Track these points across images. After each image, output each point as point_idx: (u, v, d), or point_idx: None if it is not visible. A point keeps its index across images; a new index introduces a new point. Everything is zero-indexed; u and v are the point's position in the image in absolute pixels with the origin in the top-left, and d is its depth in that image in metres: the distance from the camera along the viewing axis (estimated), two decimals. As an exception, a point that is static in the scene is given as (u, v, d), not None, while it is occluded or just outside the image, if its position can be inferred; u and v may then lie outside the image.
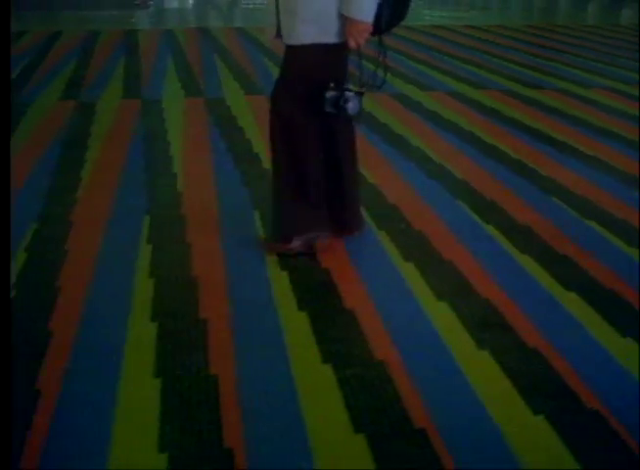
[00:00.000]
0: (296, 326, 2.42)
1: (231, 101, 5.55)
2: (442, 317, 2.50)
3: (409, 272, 2.83)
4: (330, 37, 2.68)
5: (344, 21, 2.64)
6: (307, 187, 2.85)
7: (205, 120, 4.99)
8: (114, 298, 2.59)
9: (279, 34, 2.81)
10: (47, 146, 4.36)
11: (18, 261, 2.86)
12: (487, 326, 2.43)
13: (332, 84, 2.69)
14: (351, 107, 2.69)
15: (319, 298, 2.62)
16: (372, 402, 2.02)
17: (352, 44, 2.66)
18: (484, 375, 2.17)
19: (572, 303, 2.60)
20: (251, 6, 12.99)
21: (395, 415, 1.97)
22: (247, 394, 2.05)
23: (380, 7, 2.63)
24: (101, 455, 1.80)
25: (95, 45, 8.06)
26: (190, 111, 5.26)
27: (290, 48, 2.76)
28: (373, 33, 2.71)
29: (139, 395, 2.05)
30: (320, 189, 2.88)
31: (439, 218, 3.36)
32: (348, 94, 2.68)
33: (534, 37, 9.31)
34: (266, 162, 3.99)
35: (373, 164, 4.03)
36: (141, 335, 2.36)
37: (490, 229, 3.25)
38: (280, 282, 2.73)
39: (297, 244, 2.91)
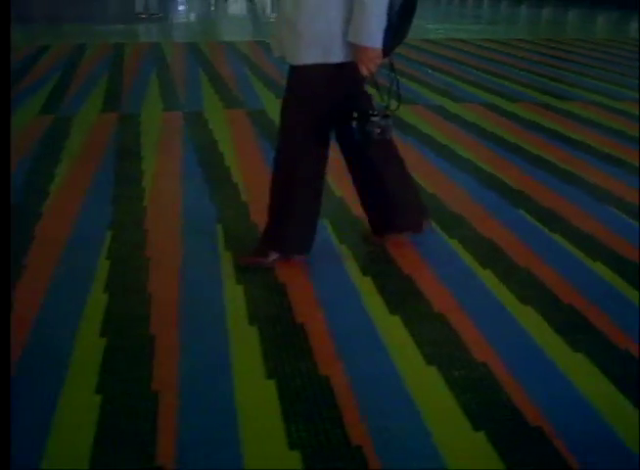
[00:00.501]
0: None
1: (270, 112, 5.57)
2: (529, 321, 2.54)
3: (489, 278, 2.88)
4: (334, 57, 2.66)
5: (350, 44, 2.62)
6: (298, 208, 2.87)
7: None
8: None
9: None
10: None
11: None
12: (577, 329, 2.49)
13: (355, 114, 2.69)
14: (379, 132, 2.71)
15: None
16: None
17: (364, 72, 2.65)
18: (581, 375, 2.23)
19: None
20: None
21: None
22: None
23: (385, 30, 2.61)
24: None
25: (124, 56, 8.09)
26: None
27: (293, 68, 2.74)
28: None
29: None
30: (312, 212, 2.91)
31: (504, 226, 3.42)
32: (374, 119, 2.69)
33: (552, 50, 9.39)
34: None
35: (427, 174, 4.10)
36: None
37: (556, 237, 3.31)
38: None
39: (271, 259, 2.94)
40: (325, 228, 3.32)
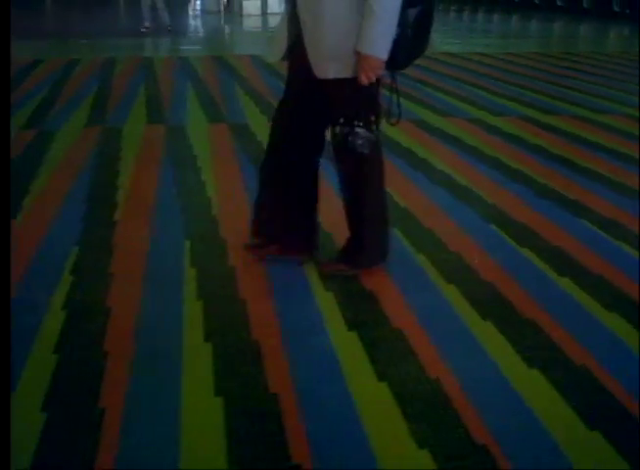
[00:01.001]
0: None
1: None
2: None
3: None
4: (350, 72, 2.66)
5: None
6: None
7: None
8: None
9: (285, 57, 2.86)
10: None
11: None
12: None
13: (341, 120, 2.70)
14: (358, 143, 2.70)
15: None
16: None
17: (363, 80, 2.63)
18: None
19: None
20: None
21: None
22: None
23: (396, 43, 2.61)
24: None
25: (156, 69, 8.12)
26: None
27: (318, 80, 2.73)
28: (388, 68, 2.70)
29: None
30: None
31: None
32: (358, 130, 2.69)
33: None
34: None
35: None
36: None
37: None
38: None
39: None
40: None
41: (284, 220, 3.02)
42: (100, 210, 3.80)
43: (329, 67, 2.67)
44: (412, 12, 2.63)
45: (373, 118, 2.76)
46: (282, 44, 2.85)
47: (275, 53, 2.89)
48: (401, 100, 2.87)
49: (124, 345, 2.46)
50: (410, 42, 2.66)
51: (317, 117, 2.88)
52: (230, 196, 4.01)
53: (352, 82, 2.66)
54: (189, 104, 6.55)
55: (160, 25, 13.03)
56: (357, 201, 2.94)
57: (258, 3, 17.45)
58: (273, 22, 16.15)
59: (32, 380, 2.25)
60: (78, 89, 7.21)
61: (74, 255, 3.21)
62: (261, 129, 5.39)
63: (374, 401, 2.16)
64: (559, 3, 19.08)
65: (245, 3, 17.24)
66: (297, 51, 2.78)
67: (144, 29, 12.79)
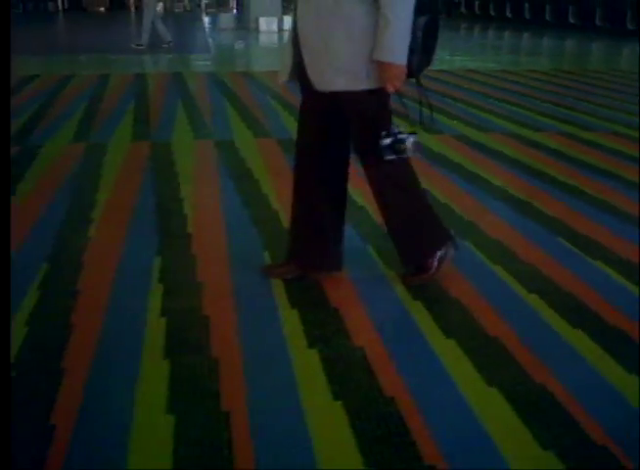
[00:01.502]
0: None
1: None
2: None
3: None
4: (362, 84, 2.68)
5: (377, 66, 2.63)
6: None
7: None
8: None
9: (294, 77, 2.86)
10: None
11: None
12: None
13: (384, 133, 2.70)
14: (411, 149, 2.72)
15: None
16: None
17: (390, 89, 2.66)
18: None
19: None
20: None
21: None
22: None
23: (410, 49, 2.64)
24: None
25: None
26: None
27: (318, 93, 2.76)
28: (407, 77, 2.72)
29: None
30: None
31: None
32: (402, 137, 2.71)
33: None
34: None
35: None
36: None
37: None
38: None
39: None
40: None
41: (313, 238, 3.02)
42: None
43: (341, 79, 2.68)
44: (422, 20, 2.67)
45: (396, 127, 2.79)
46: (289, 62, 2.86)
47: (283, 73, 2.90)
48: (439, 115, 2.91)
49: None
50: (422, 48, 2.70)
51: (338, 131, 2.89)
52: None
53: (369, 93, 2.69)
54: (231, 120, 6.59)
55: (159, 42, 13.16)
56: (398, 207, 2.97)
57: (275, 20, 17.57)
58: (279, 38, 16.35)
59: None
60: (113, 106, 7.23)
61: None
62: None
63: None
64: (571, 20, 19.20)
65: (261, 19, 17.30)
66: (303, 69, 2.80)
67: (139, 46, 12.93)
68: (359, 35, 2.63)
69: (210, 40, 16.42)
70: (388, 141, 2.71)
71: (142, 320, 2.74)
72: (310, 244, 3.04)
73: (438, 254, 3.01)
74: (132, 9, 31.26)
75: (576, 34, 17.73)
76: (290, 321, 2.75)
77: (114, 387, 2.30)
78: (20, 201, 4.19)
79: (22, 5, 29.63)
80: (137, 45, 13.07)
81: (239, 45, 15.59)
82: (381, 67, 2.62)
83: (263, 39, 16.49)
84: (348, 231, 3.28)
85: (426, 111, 2.91)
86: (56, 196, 4.30)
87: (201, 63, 11.62)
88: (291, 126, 6.08)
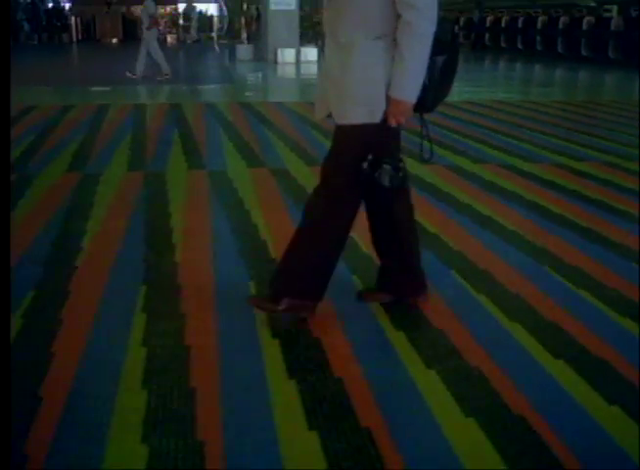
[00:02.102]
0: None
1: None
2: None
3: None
4: (378, 117, 2.71)
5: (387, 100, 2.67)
6: (321, 258, 2.92)
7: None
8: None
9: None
10: None
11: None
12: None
13: (370, 157, 2.74)
14: (386, 179, 2.75)
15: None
16: None
17: (392, 122, 2.70)
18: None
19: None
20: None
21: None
22: None
23: (425, 88, 2.67)
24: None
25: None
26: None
27: (340, 127, 2.79)
28: (416, 111, 2.76)
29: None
30: (334, 261, 2.96)
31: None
32: (385, 167, 2.74)
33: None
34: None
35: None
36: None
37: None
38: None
39: (283, 306, 2.93)
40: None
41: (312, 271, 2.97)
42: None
43: (359, 112, 2.72)
44: (439, 59, 2.70)
45: (398, 156, 2.85)
46: (324, 101, 2.89)
47: (319, 110, 2.95)
48: (434, 146, 2.93)
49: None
50: (436, 87, 2.73)
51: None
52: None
53: (379, 125, 2.72)
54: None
55: (157, 73, 13.32)
56: (390, 233, 3.01)
57: (293, 51, 17.81)
58: (305, 69, 16.51)
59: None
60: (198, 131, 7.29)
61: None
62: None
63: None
64: (584, 53, 19.49)
65: (279, 51, 17.67)
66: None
67: (133, 75, 13.12)
68: (378, 71, 2.67)
69: (233, 71, 16.69)
70: (366, 166, 2.74)
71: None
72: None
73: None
74: None
75: (589, 66, 17.92)
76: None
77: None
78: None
79: (38, 36, 30.26)
80: (131, 74, 13.28)
81: (263, 76, 15.83)
82: (390, 101, 2.67)
83: (284, 70, 16.69)
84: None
85: (427, 143, 2.93)
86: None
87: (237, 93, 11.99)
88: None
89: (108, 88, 12.17)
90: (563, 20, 20.56)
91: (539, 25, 21.70)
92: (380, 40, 2.66)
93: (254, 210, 4.60)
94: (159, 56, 13.41)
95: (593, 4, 20.20)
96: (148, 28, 13.37)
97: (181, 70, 14.91)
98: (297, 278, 2.92)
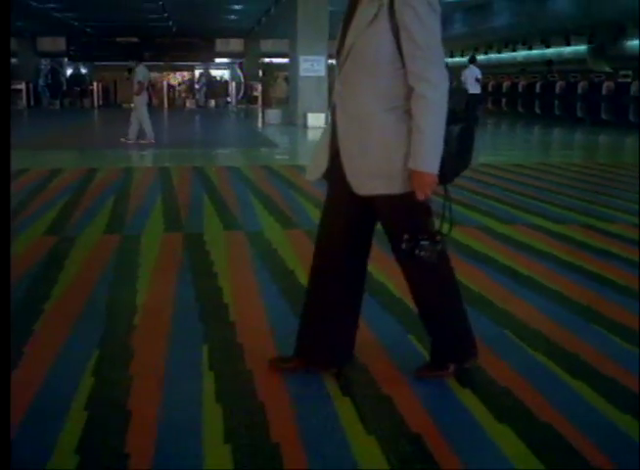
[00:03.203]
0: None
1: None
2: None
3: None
4: (397, 188, 2.74)
5: (409, 172, 2.71)
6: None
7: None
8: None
9: (325, 176, 2.94)
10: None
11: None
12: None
13: (406, 236, 2.76)
14: (426, 255, 2.76)
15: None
16: None
17: (420, 196, 2.71)
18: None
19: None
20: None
21: None
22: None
23: (443, 159, 2.70)
24: None
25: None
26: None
27: (357, 196, 2.82)
28: (439, 183, 2.78)
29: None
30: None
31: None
32: (423, 243, 2.75)
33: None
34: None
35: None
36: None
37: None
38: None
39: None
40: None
41: (321, 333, 3.03)
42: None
43: (377, 183, 2.75)
44: (455, 129, 2.75)
45: (433, 229, 2.84)
46: (322, 161, 2.93)
47: (313, 171, 2.97)
48: (463, 209, 2.97)
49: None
50: (455, 156, 2.77)
51: (362, 230, 2.97)
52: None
53: (405, 197, 2.74)
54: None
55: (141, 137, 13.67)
56: (435, 309, 3.02)
57: (323, 116, 18.28)
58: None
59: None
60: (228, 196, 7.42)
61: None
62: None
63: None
64: (604, 117, 19.91)
65: (309, 115, 18.13)
66: (337, 169, 2.86)
67: (128, 140, 13.42)
68: (393, 142, 2.72)
69: (267, 135, 16.96)
70: (405, 246, 2.77)
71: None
72: (320, 339, 3.04)
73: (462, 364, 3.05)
74: (165, 106, 33.35)
75: (609, 130, 18.24)
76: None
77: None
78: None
79: (60, 102, 30.97)
80: (126, 139, 13.56)
81: (302, 140, 16.22)
82: (412, 174, 2.70)
83: (314, 134, 16.98)
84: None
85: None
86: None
87: (278, 156, 12.37)
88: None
89: (135, 152, 12.45)
90: (582, 85, 21.06)
91: (558, 90, 22.17)
92: (392, 111, 2.72)
93: (297, 269, 4.67)
94: (145, 121, 13.72)
95: (609, 70, 20.65)
96: (136, 94, 13.70)
97: (221, 135, 15.23)
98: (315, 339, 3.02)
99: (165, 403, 2.83)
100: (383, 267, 4.20)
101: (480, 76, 18.15)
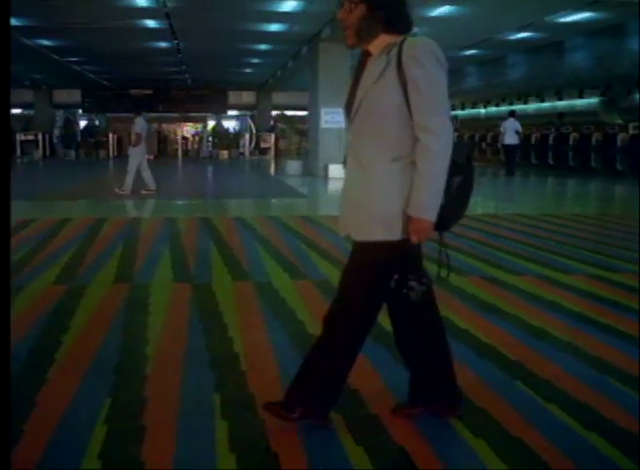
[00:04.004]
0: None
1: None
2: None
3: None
4: (397, 234, 2.81)
5: (407, 218, 2.78)
6: (334, 367, 2.98)
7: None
8: None
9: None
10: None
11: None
12: None
13: (395, 276, 2.85)
14: (413, 295, 2.86)
15: None
16: None
17: (414, 240, 2.79)
18: None
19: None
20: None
21: None
22: None
23: (443, 207, 2.78)
24: None
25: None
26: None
27: (359, 243, 2.91)
28: (437, 230, 2.87)
29: None
30: (346, 371, 3.01)
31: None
32: (412, 284, 2.85)
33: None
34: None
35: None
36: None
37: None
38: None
39: (295, 416, 2.98)
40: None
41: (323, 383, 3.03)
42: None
43: (375, 229, 2.83)
44: (456, 180, 2.83)
45: (421, 271, 2.93)
46: (344, 218, 3.00)
47: (342, 228, 3.03)
48: (467, 258, 3.04)
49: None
50: (453, 206, 2.84)
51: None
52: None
53: (401, 243, 2.82)
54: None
55: (142, 187, 13.82)
56: (421, 348, 3.07)
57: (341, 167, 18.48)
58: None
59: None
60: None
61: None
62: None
63: None
64: (619, 168, 20.11)
65: (330, 166, 18.49)
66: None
67: (123, 191, 13.54)
68: (395, 190, 2.80)
69: (292, 185, 17.15)
70: (394, 285, 2.87)
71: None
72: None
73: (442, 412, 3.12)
74: (179, 156, 34.30)
75: (625, 180, 18.38)
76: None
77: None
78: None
79: (75, 153, 31.50)
80: (120, 190, 13.71)
81: (322, 190, 16.42)
82: (410, 219, 2.78)
83: (336, 185, 17.08)
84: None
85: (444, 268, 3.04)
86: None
87: (300, 206, 12.60)
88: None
89: (180, 201, 12.55)
90: (596, 136, 21.18)
91: (571, 142, 22.31)
92: (397, 161, 2.80)
93: (309, 324, 4.69)
94: (144, 171, 13.90)
95: (620, 122, 20.89)
96: (133, 145, 13.93)
97: (247, 185, 15.97)
98: (310, 387, 2.99)
99: (179, 453, 2.84)
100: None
101: (519, 129, 20.13)
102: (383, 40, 2.84)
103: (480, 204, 12.13)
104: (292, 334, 4.44)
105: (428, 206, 2.75)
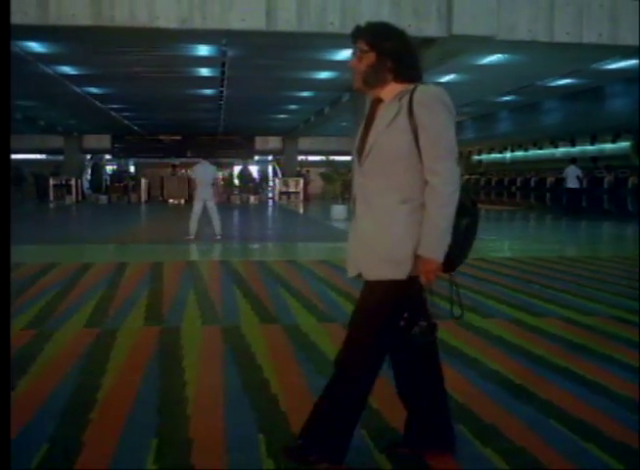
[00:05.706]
0: None
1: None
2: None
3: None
4: (405, 273, 2.91)
5: (417, 258, 2.89)
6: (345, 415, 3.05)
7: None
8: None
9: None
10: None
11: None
12: None
13: (405, 315, 2.96)
14: (422, 336, 2.97)
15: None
16: None
17: (424, 281, 2.90)
18: None
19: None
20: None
21: None
22: None
23: (451, 248, 2.89)
24: None
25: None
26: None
27: (369, 283, 3.00)
28: (444, 271, 2.95)
29: None
30: (355, 420, 3.08)
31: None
32: (422, 324, 2.96)
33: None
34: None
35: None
36: None
37: None
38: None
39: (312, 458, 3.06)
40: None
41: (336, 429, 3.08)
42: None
43: (385, 268, 2.93)
44: (464, 221, 2.95)
45: (429, 313, 3.03)
46: (354, 259, 3.09)
47: (351, 269, 3.11)
48: (450, 303, 3.09)
49: None
50: (460, 247, 2.96)
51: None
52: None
53: (408, 282, 2.93)
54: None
55: (209, 234, 13.78)
56: (420, 388, 3.17)
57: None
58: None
59: None
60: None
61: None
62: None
63: None
64: (630, 208, 20.03)
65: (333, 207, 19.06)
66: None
67: (189, 238, 13.59)
68: (404, 231, 2.92)
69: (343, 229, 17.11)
70: (403, 324, 2.98)
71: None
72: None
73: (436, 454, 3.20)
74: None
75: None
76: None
77: None
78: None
79: (108, 197, 31.97)
80: (187, 238, 13.70)
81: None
82: (420, 260, 2.88)
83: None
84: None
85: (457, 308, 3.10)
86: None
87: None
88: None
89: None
90: (632, 180, 20.89)
91: (606, 185, 22.00)
92: (406, 203, 2.90)
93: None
94: (214, 218, 13.87)
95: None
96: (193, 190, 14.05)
97: (301, 230, 16.48)
98: (324, 437, 3.05)
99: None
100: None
101: (581, 175, 21.18)
102: (394, 88, 3.00)
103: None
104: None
105: (437, 246, 2.86)
